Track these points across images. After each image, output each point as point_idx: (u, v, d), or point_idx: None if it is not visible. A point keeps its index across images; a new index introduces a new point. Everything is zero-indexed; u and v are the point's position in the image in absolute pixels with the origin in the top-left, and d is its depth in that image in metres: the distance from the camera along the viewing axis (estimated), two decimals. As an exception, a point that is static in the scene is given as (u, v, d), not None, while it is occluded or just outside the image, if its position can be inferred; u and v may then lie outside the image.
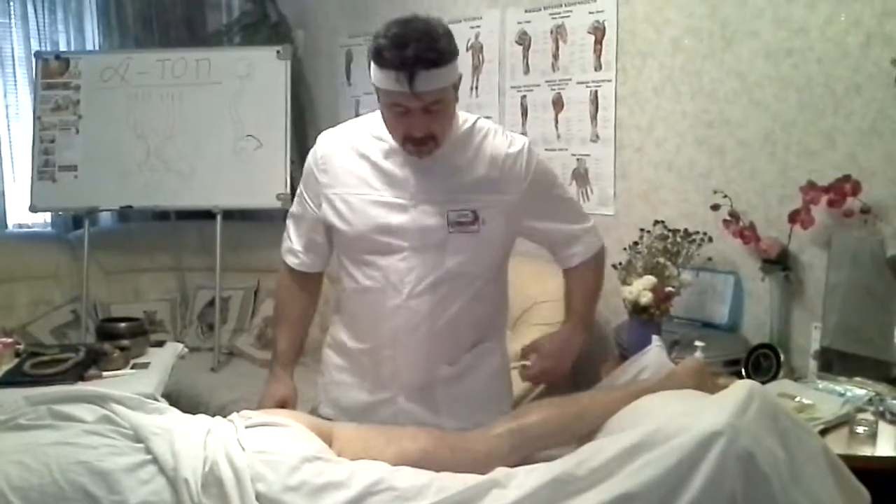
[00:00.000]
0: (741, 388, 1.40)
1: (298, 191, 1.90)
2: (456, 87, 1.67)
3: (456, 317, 1.77)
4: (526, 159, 1.77)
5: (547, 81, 3.16)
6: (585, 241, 1.91)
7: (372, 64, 1.61)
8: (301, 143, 4.13)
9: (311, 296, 1.97)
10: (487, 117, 3.35)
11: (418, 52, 1.54)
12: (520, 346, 2.74)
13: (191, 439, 1.47)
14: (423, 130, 1.63)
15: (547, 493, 1.38)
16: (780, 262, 2.48)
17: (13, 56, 4.05)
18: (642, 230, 2.73)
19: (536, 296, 2.85)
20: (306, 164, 1.87)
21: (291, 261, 1.92)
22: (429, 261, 1.72)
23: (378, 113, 1.74)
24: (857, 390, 2.10)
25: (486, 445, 1.64)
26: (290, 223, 1.93)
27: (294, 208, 1.93)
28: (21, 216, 4.10)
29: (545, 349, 1.93)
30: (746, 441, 1.30)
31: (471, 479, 1.45)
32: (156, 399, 1.92)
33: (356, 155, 1.78)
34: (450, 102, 1.66)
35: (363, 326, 1.82)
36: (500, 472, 1.49)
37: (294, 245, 1.91)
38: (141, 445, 1.45)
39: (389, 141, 1.74)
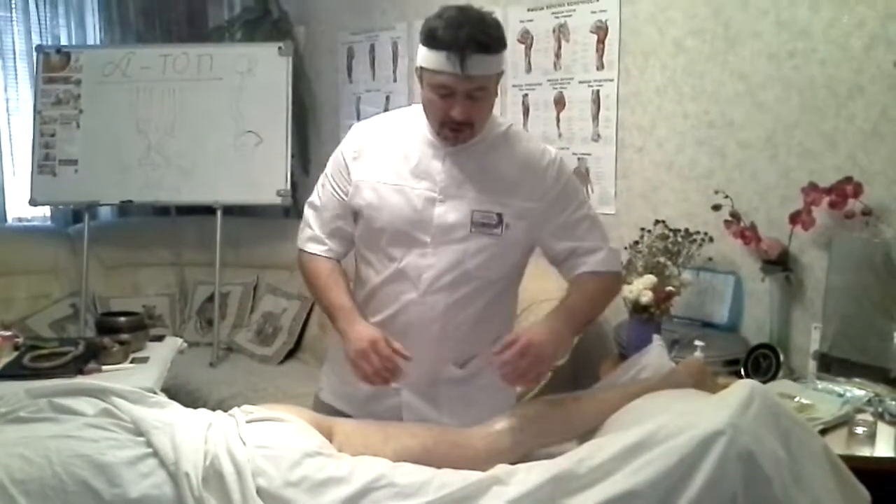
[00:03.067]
0: (742, 387, 1.40)
1: (321, 181, 1.87)
2: (499, 79, 1.69)
3: (469, 319, 1.76)
4: (557, 170, 1.76)
5: (549, 80, 3.16)
6: (598, 259, 1.78)
7: (422, 46, 1.63)
8: (302, 139, 4.13)
9: (340, 268, 1.87)
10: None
11: (472, 34, 1.56)
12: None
13: (192, 433, 1.47)
14: (463, 115, 1.63)
15: (547, 490, 1.38)
16: (780, 263, 2.48)
17: (14, 50, 4.04)
18: (643, 230, 2.73)
19: (536, 294, 2.83)
20: (337, 154, 1.84)
21: (316, 248, 1.84)
22: (448, 258, 1.71)
23: (413, 108, 1.77)
24: (857, 391, 2.10)
25: (487, 442, 1.64)
26: (310, 213, 1.88)
27: (315, 199, 1.88)
28: (21, 210, 4.10)
29: (524, 342, 1.59)
30: (747, 440, 1.30)
31: (472, 476, 1.45)
32: (155, 393, 1.92)
33: (390, 146, 1.78)
34: (492, 92, 1.67)
35: (376, 317, 1.79)
36: (500, 468, 1.49)
37: (317, 232, 1.85)
38: (142, 439, 1.45)
39: (424, 133, 1.75)
